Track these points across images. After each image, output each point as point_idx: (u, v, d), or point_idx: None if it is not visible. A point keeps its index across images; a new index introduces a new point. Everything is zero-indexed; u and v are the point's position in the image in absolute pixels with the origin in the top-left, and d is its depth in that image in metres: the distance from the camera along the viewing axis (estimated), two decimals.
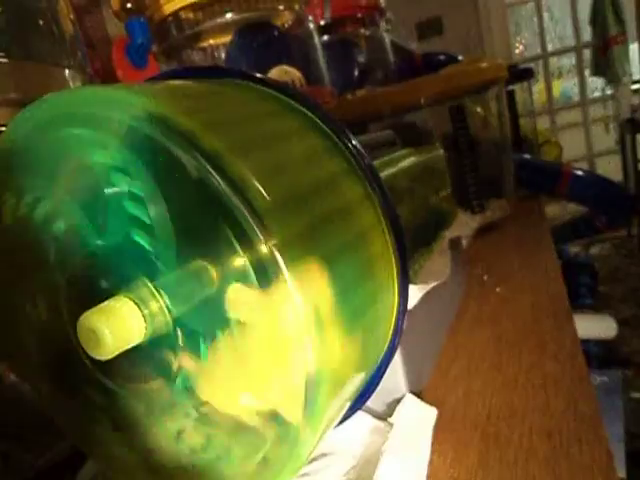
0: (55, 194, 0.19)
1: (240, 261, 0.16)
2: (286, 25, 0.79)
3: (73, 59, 0.47)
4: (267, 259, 0.15)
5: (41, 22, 0.46)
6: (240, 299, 0.16)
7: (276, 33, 0.78)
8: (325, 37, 0.87)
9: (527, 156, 0.88)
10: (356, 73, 0.90)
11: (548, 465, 0.24)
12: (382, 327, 0.21)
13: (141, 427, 0.20)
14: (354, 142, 0.21)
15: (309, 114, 0.21)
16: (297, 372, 0.16)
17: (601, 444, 0.24)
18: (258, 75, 0.22)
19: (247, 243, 0.15)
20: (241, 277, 0.16)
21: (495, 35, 2.42)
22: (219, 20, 0.68)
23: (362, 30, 0.92)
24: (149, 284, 0.18)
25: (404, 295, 0.21)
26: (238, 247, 0.15)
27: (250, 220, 0.15)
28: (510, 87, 0.90)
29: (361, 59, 0.91)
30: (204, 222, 0.16)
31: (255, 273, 0.15)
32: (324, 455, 0.26)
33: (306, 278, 0.16)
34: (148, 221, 0.17)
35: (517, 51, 2.61)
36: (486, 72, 0.62)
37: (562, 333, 0.37)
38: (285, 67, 0.70)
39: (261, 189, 0.16)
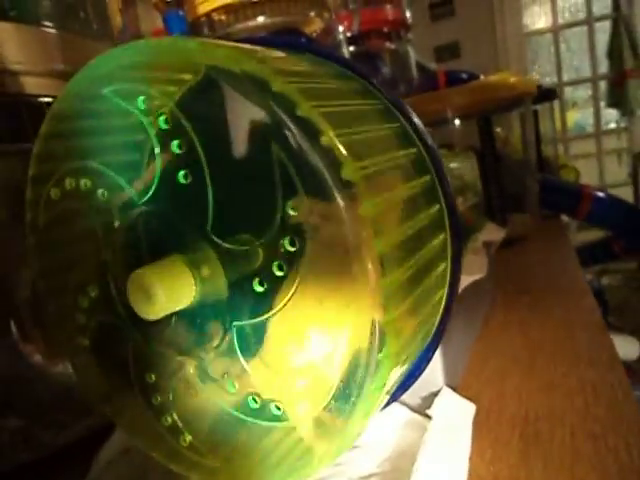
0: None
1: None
2: (315, 34, 0.80)
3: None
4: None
5: (90, 9, 0.47)
6: None
7: (304, 40, 0.78)
8: (351, 48, 0.88)
9: (549, 176, 0.87)
10: None
11: (596, 468, 0.23)
12: (432, 304, 0.20)
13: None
14: (424, 133, 0.20)
15: (384, 100, 0.21)
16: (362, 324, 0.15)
17: None
18: (340, 55, 0.22)
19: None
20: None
21: (512, 63, 2.45)
22: (250, 24, 0.69)
23: (387, 44, 0.93)
24: (206, 247, 0.17)
25: (456, 274, 0.20)
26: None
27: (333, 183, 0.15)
28: (534, 107, 0.90)
29: (385, 72, 0.91)
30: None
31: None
32: (356, 447, 0.25)
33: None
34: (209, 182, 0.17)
35: None
36: (515, 87, 0.62)
37: (597, 344, 0.35)
38: None
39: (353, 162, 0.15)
